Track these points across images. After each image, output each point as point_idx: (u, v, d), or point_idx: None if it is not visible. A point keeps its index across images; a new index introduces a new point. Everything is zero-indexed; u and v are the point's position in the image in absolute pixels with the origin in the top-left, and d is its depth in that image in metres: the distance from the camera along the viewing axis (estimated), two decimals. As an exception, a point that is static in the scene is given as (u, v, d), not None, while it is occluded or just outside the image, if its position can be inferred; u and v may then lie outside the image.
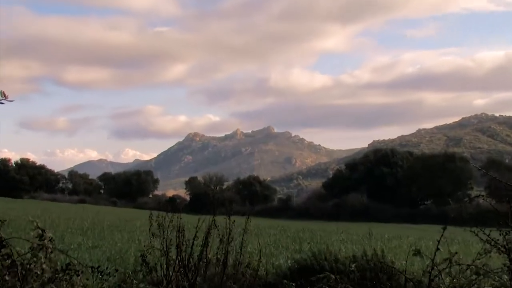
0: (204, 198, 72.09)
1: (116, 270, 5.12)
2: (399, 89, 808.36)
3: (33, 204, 55.08)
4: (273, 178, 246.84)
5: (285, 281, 6.53)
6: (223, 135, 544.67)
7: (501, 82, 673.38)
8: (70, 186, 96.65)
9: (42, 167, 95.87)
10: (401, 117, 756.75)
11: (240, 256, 6.73)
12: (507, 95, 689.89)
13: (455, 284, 4.43)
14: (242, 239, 6.86)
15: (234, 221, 6.70)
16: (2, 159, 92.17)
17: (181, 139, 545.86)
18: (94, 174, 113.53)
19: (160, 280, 6.46)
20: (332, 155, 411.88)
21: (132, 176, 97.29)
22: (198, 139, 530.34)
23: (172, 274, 6.41)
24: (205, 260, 6.54)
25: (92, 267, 4.25)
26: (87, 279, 4.24)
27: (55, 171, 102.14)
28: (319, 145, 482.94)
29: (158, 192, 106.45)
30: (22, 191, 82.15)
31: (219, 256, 6.65)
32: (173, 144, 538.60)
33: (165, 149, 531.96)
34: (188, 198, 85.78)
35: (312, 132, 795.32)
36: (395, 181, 71.08)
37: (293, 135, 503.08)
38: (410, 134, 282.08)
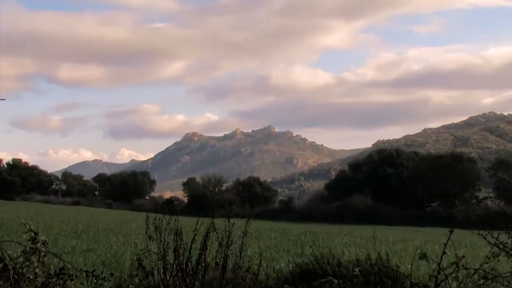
0: (203, 200, 72.05)
1: (112, 275, 5.14)
2: (404, 87, 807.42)
3: (25, 206, 55.10)
4: (274, 179, 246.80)
5: (286, 286, 6.54)
6: (222, 134, 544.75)
7: (510, 80, 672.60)
8: (63, 187, 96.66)
9: (34, 168, 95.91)
10: (406, 116, 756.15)
11: (239, 260, 6.73)
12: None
13: (462, 289, 4.43)
14: (242, 242, 6.85)
15: (234, 223, 6.70)
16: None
17: (178, 139, 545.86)
18: (88, 175, 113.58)
19: (157, 285, 6.47)
20: (334, 155, 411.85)
21: (128, 177, 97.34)
22: (196, 139, 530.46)
23: (169, 278, 6.41)
24: (203, 264, 6.54)
25: (86, 272, 4.25)
26: (82, 284, 4.24)
27: (48, 172, 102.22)
28: (321, 145, 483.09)
29: (155, 193, 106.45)
30: (14, 193, 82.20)
31: (218, 260, 6.65)
32: (171, 144, 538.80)
33: (162, 149, 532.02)
34: (186, 200, 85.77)
35: (314, 131, 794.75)
36: (400, 182, 71.07)
37: (294, 134, 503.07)
38: (415, 134, 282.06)
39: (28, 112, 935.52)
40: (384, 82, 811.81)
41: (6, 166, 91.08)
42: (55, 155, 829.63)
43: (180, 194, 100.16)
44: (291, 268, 10.27)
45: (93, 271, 4.39)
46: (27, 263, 3.80)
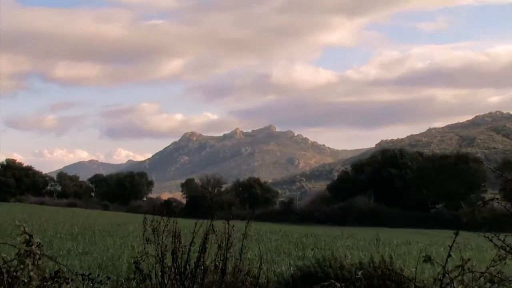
0: (202, 201, 72.07)
1: (108, 278, 5.13)
2: (408, 86, 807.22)
3: (19, 208, 55.15)
4: (275, 180, 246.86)
5: (288, 289, 6.54)
6: (221, 134, 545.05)
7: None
8: (59, 188, 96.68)
9: (29, 169, 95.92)
10: (411, 116, 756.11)
11: (239, 263, 6.73)
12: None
13: (468, 292, 4.43)
14: (242, 244, 6.86)
15: (233, 225, 6.70)
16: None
17: (177, 139, 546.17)
18: (84, 176, 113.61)
19: (154, 288, 6.47)
20: (337, 155, 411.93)
21: (125, 178, 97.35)
22: (195, 138, 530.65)
23: (167, 282, 6.41)
24: (202, 267, 6.54)
25: (82, 275, 4.25)
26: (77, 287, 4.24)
27: (43, 172, 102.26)
28: (323, 145, 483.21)
29: (152, 195, 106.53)
30: (8, 194, 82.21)
31: (217, 263, 6.65)
32: (169, 144, 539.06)
33: (160, 149, 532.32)
34: (184, 201, 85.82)
35: (316, 131, 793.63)
36: (404, 183, 71.09)
37: (295, 134, 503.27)
38: (420, 134, 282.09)
39: (22, 111, 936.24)
40: (387, 80, 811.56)
41: (0, 167, 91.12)
42: (50, 155, 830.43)
43: (179, 195, 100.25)
44: (292, 271, 10.28)
45: (89, 274, 4.39)
46: (22, 266, 3.80)
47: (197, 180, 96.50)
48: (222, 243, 6.64)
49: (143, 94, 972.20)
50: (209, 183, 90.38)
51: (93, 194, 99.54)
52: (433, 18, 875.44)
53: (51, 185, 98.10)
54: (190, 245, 6.61)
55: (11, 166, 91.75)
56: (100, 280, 4.70)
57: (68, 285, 3.97)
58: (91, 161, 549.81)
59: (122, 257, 13.45)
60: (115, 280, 6.40)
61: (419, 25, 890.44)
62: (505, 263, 4.48)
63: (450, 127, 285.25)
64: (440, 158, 78.04)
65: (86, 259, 13.22)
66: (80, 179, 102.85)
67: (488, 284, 4.38)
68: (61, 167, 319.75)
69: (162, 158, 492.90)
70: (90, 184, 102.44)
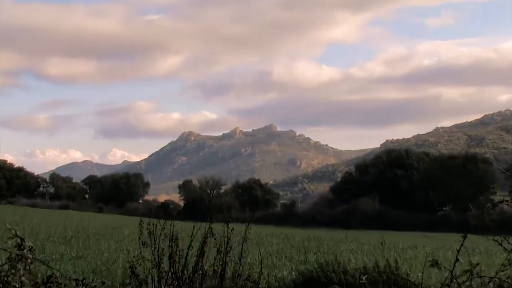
0: (200, 203, 72.11)
1: (103, 283, 5.14)
2: (414, 84, 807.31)
3: (10, 210, 55.11)
4: (276, 182, 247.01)
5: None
6: (220, 134, 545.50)
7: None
8: (51, 190, 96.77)
9: (20, 170, 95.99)
10: (417, 115, 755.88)
11: (239, 268, 6.73)
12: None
13: (477, 298, 4.43)
14: (242, 248, 6.86)
15: (233, 229, 6.70)
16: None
17: (174, 139, 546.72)
18: (78, 177, 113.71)
19: (151, 294, 6.47)
20: (340, 156, 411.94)
21: (120, 179, 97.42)
22: (193, 138, 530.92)
23: (164, 287, 6.41)
24: (200, 272, 6.54)
25: (76, 280, 4.26)
26: (71, 293, 4.24)
27: (35, 173, 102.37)
28: (326, 145, 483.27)
29: (148, 196, 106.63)
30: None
31: (216, 268, 6.65)
32: (166, 144, 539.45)
33: (157, 149, 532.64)
34: (182, 203, 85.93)
35: (318, 130, 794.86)
36: (410, 185, 71.10)
37: (297, 134, 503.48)
38: (426, 133, 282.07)
39: (14, 109, 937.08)
40: (393, 78, 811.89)
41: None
42: (43, 156, 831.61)
43: (176, 198, 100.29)
44: (294, 276, 10.28)
45: (83, 279, 4.40)
46: (13, 271, 3.80)
47: (195, 182, 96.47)
48: (221, 247, 6.64)
49: (139, 92, 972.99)
50: (207, 184, 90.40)
51: (87, 196, 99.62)
52: (438, 13, 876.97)
53: (44, 187, 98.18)
54: (188, 249, 6.61)
55: (1, 167, 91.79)
56: (95, 286, 4.71)
57: (61, 291, 3.98)
58: (85, 161, 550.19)
59: (117, 261, 13.44)
60: (110, 285, 6.42)
61: (425, 21, 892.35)
62: (515, 268, 4.48)
63: (458, 127, 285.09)
64: (448, 158, 78.05)
65: (80, 263, 13.22)
66: (74, 181, 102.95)
67: (498, 290, 4.39)
68: (53, 168, 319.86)
69: (159, 159, 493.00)
70: (84, 186, 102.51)
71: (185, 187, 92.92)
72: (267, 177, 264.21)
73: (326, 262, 8.70)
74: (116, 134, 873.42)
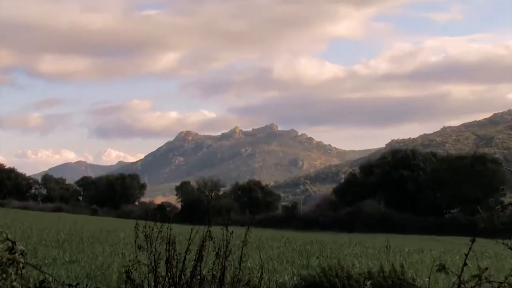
0: (198, 205, 72.13)
1: (97, 288, 5.14)
2: (421, 81, 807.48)
3: (1, 213, 55.12)
4: (277, 183, 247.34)
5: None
6: (219, 133, 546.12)
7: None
8: (44, 192, 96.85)
9: (11, 171, 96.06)
10: (424, 113, 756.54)
11: (239, 272, 6.73)
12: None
13: (486, 304, 4.43)
14: (242, 252, 6.85)
15: (232, 232, 6.70)
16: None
17: (171, 138, 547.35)
18: (71, 178, 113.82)
19: (147, 299, 6.47)
20: (344, 156, 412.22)
21: (115, 181, 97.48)
22: (191, 138, 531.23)
23: (161, 292, 6.41)
24: (198, 277, 6.54)
25: (69, 285, 4.27)
26: (64, 299, 4.25)
27: (27, 175, 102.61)
28: (329, 145, 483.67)
29: (145, 198, 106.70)
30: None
31: (214, 272, 6.65)
32: (162, 144, 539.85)
33: (153, 149, 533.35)
34: (179, 205, 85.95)
35: (321, 130, 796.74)
36: (417, 187, 71.11)
37: (299, 133, 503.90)
38: (433, 133, 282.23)
39: (5, 108, 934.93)
40: (399, 75, 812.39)
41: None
42: (35, 156, 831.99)
43: (173, 199, 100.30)
44: (295, 281, 10.28)
45: (77, 284, 4.41)
46: (4, 275, 3.81)
47: (193, 183, 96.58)
48: (220, 251, 6.64)
49: (135, 90, 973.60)
50: (206, 186, 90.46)
51: (80, 198, 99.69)
52: (446, 7, 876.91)
53: (36, 188, 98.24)
54: (186, 253, 6.61)
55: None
56: (89, 291, 4.71)
57: (54, 296, 3.98)
58: (78, 162, 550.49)
59: (112, 266, 13.45)
60: (104, 290, 6.41)
61: (432, 16, 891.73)
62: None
63: (466, 126, 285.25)
64: (456, 159, 78.07)
65: (73, 268, 13.23)
66: (67, 182, 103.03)
67: (507, 295, 4.39)
68: (46, 169, 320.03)
69: (155, 159, 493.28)
70: (77, 187, 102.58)
71: (182, 189, 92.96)
72: (268, 178, 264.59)
73: (329, 266, 8.71)
74: (111, 133, 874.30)
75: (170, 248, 6.55)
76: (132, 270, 6.49)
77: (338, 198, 79.21)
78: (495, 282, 4.45)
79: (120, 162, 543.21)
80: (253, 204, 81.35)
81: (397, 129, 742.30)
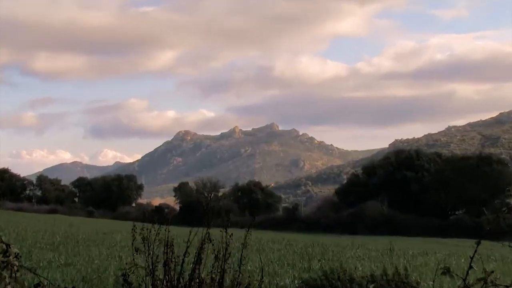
0: (197, 207, 72.11)
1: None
2: (425, 80, 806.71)
3: (-5, 215, 55.13)
4: (277, 184, 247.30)
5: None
6: (218, 133, 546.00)
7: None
8: (38, 193, 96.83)
9: (5, 171, 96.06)
10: (428, 113, 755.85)
11: (238, 276, 6.74)
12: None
13: (491, 308, 4.43)
14: (241, 255, 6.86)
15: (232, 234, 6.70)
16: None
17: (169, 138, 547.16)
18: (67, 179, 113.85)
19: (144, 303, 6.47)
20: (346, 157, 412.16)
21: (111, 182, 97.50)
22: (189, 138, 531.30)
23: (158, 296, 6.42)
24: (197, 280, 6.55)
25: (65, 288, 4.26)
26: (59, 302, 4.25)
27: (21, 175, 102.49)
28: (331, 145, 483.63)
29: (142, 200, 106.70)
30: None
31: (214, 276, 6.65)
32: (160, 144, 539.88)
33: (151, 149, 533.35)
34: (177, 207, 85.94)
35: (323, 130, 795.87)
36: (421, 188, 71.11)
37: (300, 133, 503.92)
38: (438, 133, 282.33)
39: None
40: (403, 73, 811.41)
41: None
42: (29, 157, 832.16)
43: (171, 201, 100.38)
44: (296, 285, 10.29)
45: (73, 287, 4.41)
46: (-2, 278, 3.80)
47: (191, 184, 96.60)
48: (219, 254, 6.64)
49: (131, 89, 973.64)
50: (204, 187, 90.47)
51: (76, 199, 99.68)
52: (452, 4, 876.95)
53: (30, 190, 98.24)
54: (184, 255, 6.62)
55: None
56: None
57: (49, 300, 3.98)
58: (74, 162, 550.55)
59: (109, 269, 13.45)
60: (101, 294, 6.42)
61: (437, 13, 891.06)
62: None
63: (472, 125, 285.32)
64: (461, 159, 78.09)
65: (69, 271, 13.23)
66: (62, 183, 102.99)
67: (514, 299, 4.39)
68: (41, 170, 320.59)
69: (153, 160, 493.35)
70: (73, 188, 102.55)
71: (181, 190, 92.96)
72: (268, 179, 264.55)
73: (331, 269, 8.71)
74: (107, 133, 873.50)
75: (168, 250, 6.56)
76: (129, 274, 6.49)
77: (340, 199, 79.22)
78: (501, 285, 4.45)
79: (116, 163, 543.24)
80: (253, 205, 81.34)
81: (400, 128, 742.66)
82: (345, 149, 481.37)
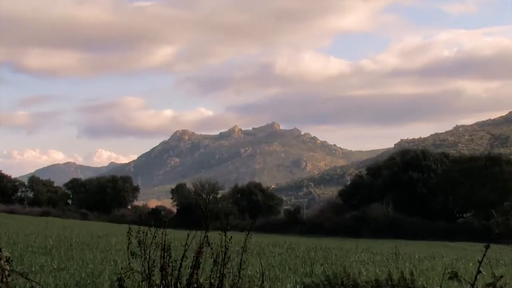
0: (195, 209, 72.20)
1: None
2: (432, 77, 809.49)
3: (-14, 217, 55.20)
4: (279, 185, 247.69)
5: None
6: (217, 133, 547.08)
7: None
8: (30, 195, 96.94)
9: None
10: (435, 111, 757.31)
11: (238, 280, 6.74)
12: None
13: (501, 314, 4.44)
14: (241, 259, 6.87)
15: (231, 237, 6.71)
16: None
17: (166, 138, 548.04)
18: (60, 181, 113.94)
19: (140, 309, 6.48)
20: (350, 157, 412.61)
21: (106, 183, 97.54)
22: (187, 137, 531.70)
23: (155, 302, 6.42)
24: (195, 285, 6.55)
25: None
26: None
27: (13, 177, 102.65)
28: (334, 145, 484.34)
29: (138, 202, 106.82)
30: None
31: (212, 281, 6.66)
32: (157, 144, 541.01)
33: (147, 150, 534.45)
34: (174, 209, 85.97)
35: (325, 129, 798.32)
36: (428, 189, 71.13)
37: (302, 133, 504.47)
38: (445, 132, 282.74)
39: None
40: (409, 70, 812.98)
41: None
42: (21, 157, 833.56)
43: (168, 203, 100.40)
44: (298, 290, 10.28)
45: (66, 293, 4.41)
46: (-12, 283, 3.81)
47: (189, 186, 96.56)
48: (218, 258, 6.65)
49: (127, 87, 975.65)
50: (203, 188, 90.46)
51: (69, 201, 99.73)
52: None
53: (22, 191, 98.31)
54: (182, 259, 6.62)
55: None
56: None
57: (42, 306, 3.99)
58: (67, 163, 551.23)
59: (104, 273, 13.46)
60: (95, 300, 6.42)
61: (445, 7, 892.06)
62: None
63: (480, 125, 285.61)
64: (469, 160, 78.05)
65: (62, 275, 13.24)
66: (55, 184, 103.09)
67: (524, 305, 4.40)
68: (33, 171, 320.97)
69: (149, 160, 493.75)
70: (66, 190, 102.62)
71: (178, 192, 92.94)
72: (269, 181, 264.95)
73: (334, 274, 8.71)
74: (102, 133, 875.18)
75: (165, 254, 6.56)
76: (125, 278, 6.50)
77: (344, 201, 79.21)
78: (510, 290, 4.45)
79: (111, 163, 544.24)
80: (253, 207, 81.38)
81: (406, 128, 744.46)
82: (348, 149, 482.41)
